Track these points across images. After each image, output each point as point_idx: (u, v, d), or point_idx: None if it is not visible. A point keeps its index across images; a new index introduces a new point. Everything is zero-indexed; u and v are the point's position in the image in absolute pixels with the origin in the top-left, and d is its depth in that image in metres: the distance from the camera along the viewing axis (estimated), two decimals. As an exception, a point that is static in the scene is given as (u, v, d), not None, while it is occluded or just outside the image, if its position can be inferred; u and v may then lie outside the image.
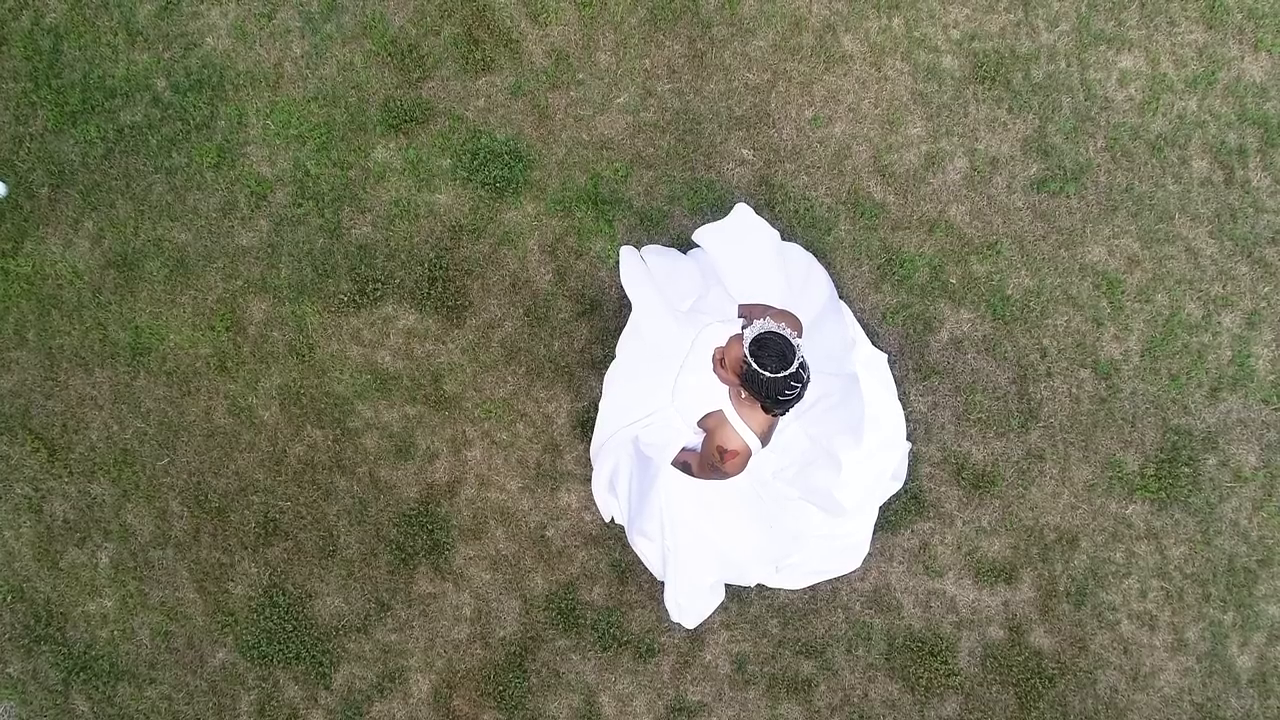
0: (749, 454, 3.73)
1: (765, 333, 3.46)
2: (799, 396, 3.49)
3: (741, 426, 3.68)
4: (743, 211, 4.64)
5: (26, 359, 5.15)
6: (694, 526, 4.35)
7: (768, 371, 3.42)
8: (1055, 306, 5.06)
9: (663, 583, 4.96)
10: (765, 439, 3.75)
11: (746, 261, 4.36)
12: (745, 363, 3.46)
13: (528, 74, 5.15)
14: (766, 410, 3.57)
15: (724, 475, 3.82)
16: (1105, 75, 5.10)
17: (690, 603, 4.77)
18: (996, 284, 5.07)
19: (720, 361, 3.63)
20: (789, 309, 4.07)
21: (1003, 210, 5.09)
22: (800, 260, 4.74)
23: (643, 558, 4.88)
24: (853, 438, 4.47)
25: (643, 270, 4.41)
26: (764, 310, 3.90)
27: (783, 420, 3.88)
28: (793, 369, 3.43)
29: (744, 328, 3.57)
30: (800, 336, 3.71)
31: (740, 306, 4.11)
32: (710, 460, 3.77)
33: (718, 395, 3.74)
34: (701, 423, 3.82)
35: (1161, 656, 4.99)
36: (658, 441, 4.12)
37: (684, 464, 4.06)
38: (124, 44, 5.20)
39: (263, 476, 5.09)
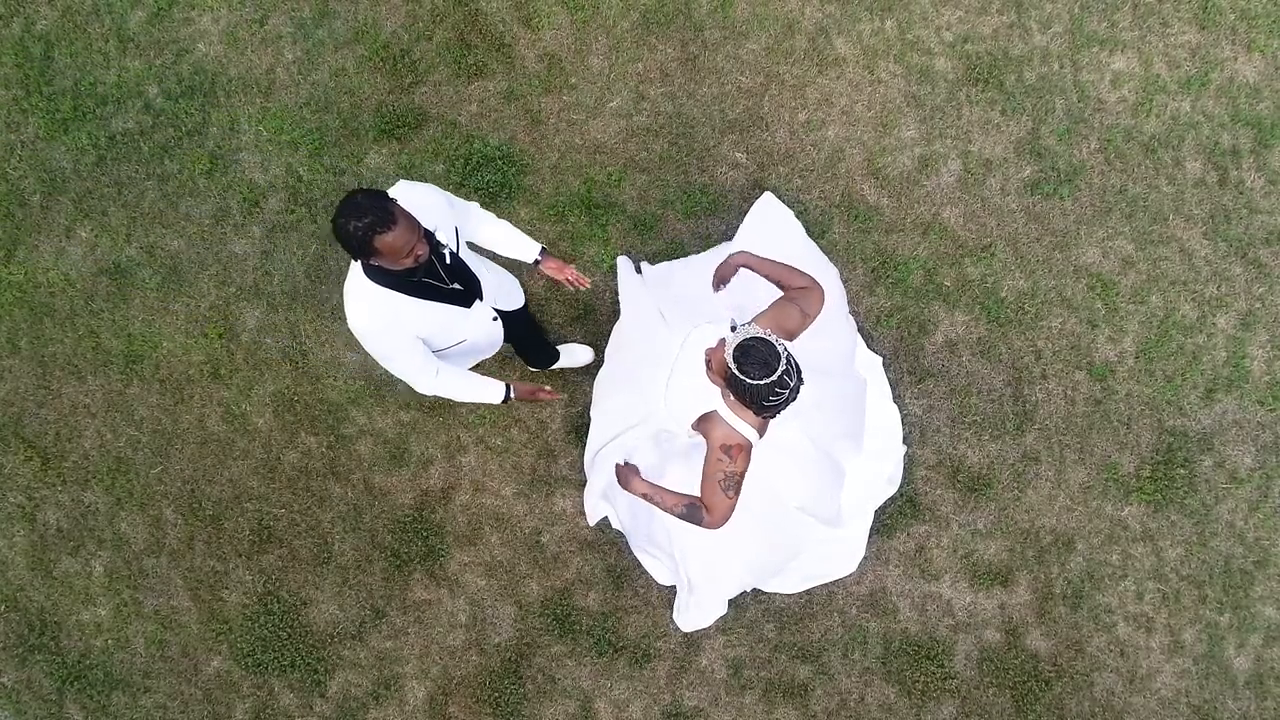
0: (750, 445, 3.73)
1: (749, 339, 3.46)
2: (788, 401, 3.49)
3: (736, 421, 3.69)
4: (770, 201, 4.67)
5: (19, 367, 5.14)
6: (703, 538, 4.34)
7: (749, 379, 3.43)
8: (1050, 309, 5.06)
9: (661, 586, 4.96)
10: (762, 430, 3.76)
11: (771, 252, 4.37)
12: (728, 368, 3.47)
13: (520, 79, 5.14)
14: (756, 413, 3.58)
15: (731, 489, 3.79)
16: (1098, 77, 5.10)
17: (704, 611, 4.77)
18: (991, 286, 5.06)
19: (709, 363, 3.65)
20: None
21: (997, 212, 5.09)
22: (814, 260, 4.74)
23: (648, 567, 4.87)
24: (853, 443, 4.46)
25: (635, 276, 4.40)
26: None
27: (782, 418, 3.87)
28: (776, 376, 3.43)
29: (732, 329, 3.57)
30: (791, 339, 3.69)
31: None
32: (718, 469, 3.73)
33: (710, 396, 3.75)
34: (696, 425, 3.82)
35: (1158, 658, 4.98)
36: (656, 443, 4.11)
37: (690, 508, 3.96)
38: (115, 51, 5.19)
39: (257, 484, 5.08)
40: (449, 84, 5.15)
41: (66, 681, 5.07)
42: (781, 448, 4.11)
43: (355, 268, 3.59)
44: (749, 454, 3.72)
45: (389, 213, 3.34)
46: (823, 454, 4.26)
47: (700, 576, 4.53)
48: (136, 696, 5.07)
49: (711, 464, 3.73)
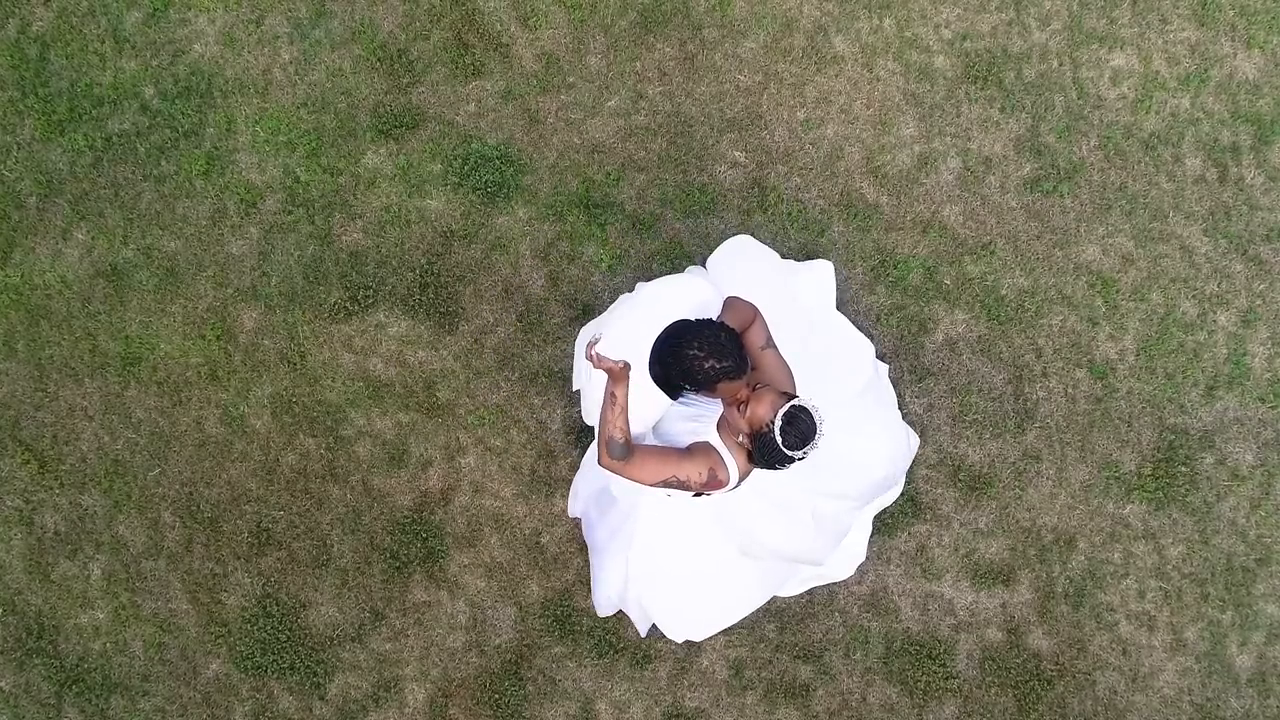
0: (728, 485, 3.72)
1: (796, 408, 3.46)
2: (788, 466, 3.54)
3: (729, 458, 3.68)
4: (735, 246, 4.48)
5: (16, 370, 5.12)
6: (676, 564, 4.25)
7: (787, 447, 3.45)
8: (1050, 306, 5.05)
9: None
10: (744, 476, 3.75)
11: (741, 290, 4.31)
12: (767, 427, 3.46)
13: (518, 78, 5.13)
14: (750, 461, 3.60)
15: (670, 490, 3.76)
16: (1098, 74, 5.09)
17: (699, 626, 4.71)
18: (991, 285, 5.05)
19: (738, 406, 3.58)
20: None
21: (996, 210, 5.08)
22: (784, 294, 4.44)
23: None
24: (857, 504, 4.35)
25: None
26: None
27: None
28: (808, 449, 3.47)
29: (781, 398, 3.52)
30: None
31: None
32: (686, 474, 3.69)
33: (705, 428, 3.74)
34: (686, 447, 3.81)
35: (1160, 657, 4.97)
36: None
37: (624, 446, 3.68)
38: (111, 52, 5.17)
39: (255, 486, 5.07)
40: (446, 84, 5.13)
41: (65, 685, 5.05)
42: (776, 500, 4.03)
43: (634, 369, 3.42)
44: (720, 489, 3.73)
45: (745, 360, 3.21)
46: (820, 513, 4.14)
47: (680, 618, 4.43)
48: (135, 700, 5.05)
49: (687, 469, 3.65)
